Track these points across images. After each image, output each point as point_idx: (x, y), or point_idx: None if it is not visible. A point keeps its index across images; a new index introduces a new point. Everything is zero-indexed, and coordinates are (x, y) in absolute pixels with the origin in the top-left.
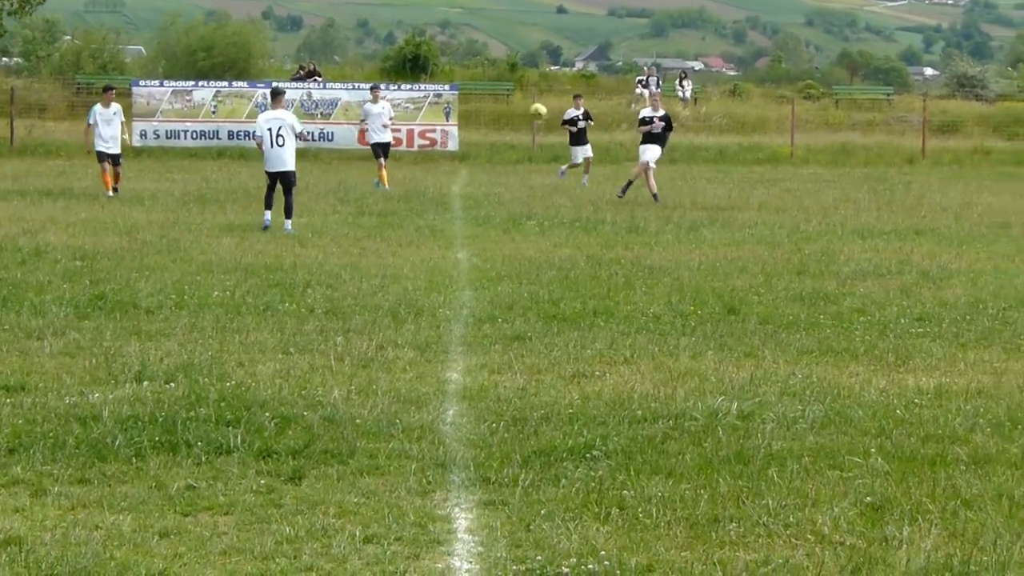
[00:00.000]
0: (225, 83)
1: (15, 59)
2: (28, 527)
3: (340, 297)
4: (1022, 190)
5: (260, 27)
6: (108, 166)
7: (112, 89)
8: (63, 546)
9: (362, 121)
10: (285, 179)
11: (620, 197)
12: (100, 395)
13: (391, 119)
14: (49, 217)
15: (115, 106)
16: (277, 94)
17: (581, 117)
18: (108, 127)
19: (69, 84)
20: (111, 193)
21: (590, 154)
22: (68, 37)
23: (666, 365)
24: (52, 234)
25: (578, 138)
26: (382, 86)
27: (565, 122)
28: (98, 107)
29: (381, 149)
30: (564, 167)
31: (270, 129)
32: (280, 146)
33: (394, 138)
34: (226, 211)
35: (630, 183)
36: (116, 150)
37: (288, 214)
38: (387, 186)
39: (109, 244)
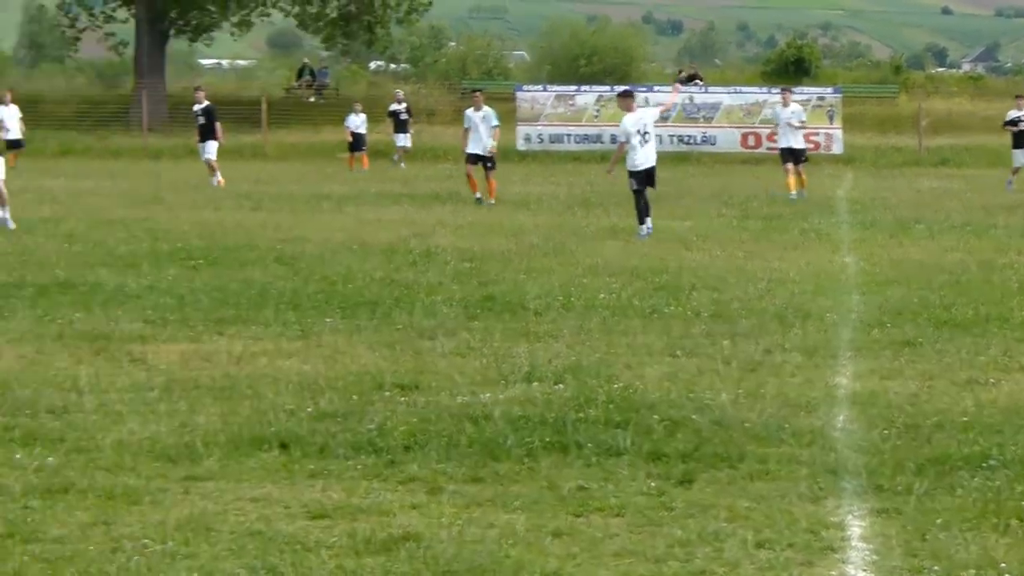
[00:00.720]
0: (607, 87)
1: (403, 65)
2: (425, 524)
3: (726, 300)
4: None
5: (640, 31)
6: (475, 170)
7: (479, 91)
8: (459, 543)
9: (776, 125)
10: (652, 177)
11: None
12: (491, 395)
13: (802, 122)
14: (438, 220)
15: (486, 110)
16: (629, 95)
17: (1023, 118)
18: (477, 131)
19: (455, 89)
20: (478, 196)
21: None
22: (453, 43)
23: None
24: (442, 236)
25: (1021, 140)
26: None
27: (1007, 123)
28: (469, 111)
29: (791, 155)
30: (1011, 178)
31: (639, 130)
32: (647, 143)
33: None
34: (610, 214)
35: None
36: (481, 152)
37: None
38: (804, 191)
39: (496, 246)
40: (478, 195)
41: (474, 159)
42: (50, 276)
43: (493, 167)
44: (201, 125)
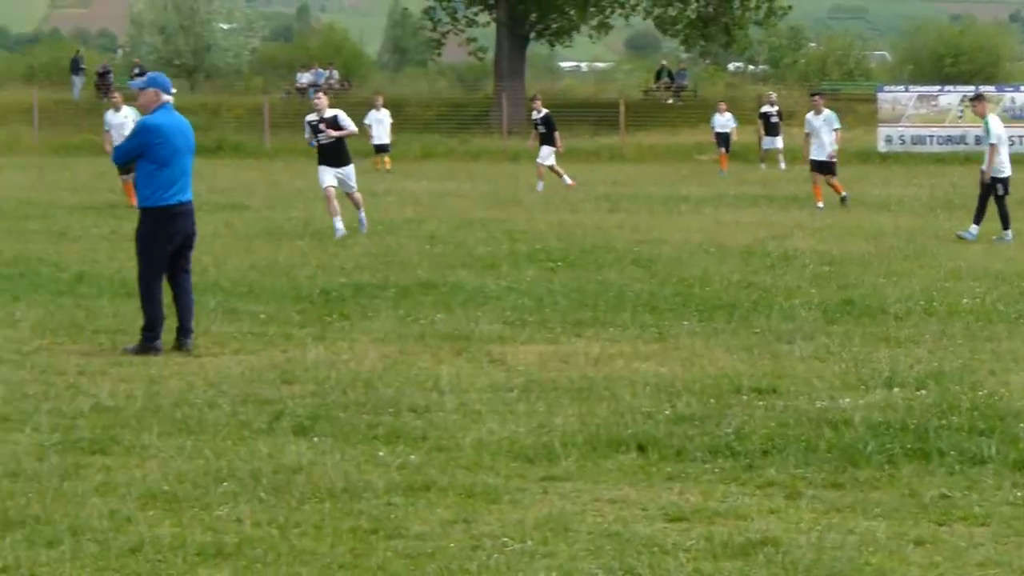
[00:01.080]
0: (971, 88)
1: (761, 66)
2: (783, 529)
3: None
4: None
5: (1007, 30)
6: (819, 177)
7: (818, 95)
8: (818, 549)
9: None
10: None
11: None
12: (850, 400)
13: None
14: (796, 222)
15: (827, 113)
16: (982, 98)
17: None
18: (819, 137)
19: (814, 90)
20: (820, 205)
21: None
22: (812, 44)
23: None
24: (800, 239)
25: None
26: None
27: None
28: (810, 115)
29: None
30: None
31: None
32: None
33: None
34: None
35: None
36: (819, 157)
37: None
38: None
39: (855, 249)
40: (820, 204)
41: (818, 166)
42: (412, 277)
43: (833, 173)
44: (542, 134)
